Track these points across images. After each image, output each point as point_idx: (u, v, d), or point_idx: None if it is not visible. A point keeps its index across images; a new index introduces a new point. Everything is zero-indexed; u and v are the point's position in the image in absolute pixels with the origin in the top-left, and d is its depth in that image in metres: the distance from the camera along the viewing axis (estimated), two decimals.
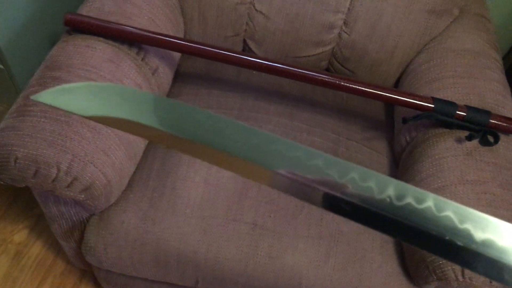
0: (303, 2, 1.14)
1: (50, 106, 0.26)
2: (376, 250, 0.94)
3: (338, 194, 0.23)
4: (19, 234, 1.35)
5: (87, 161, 0.81)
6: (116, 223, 0.93)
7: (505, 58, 1.56)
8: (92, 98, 0.26)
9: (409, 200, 0.23)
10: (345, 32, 1.18)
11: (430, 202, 0.23)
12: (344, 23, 1.17)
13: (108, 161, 0.85)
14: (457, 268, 0.82)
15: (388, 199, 0.23)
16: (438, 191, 0.90)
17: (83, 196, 0.84)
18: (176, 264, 0.94)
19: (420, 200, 0.23)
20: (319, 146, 1.09)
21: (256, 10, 1.18)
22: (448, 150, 0.95)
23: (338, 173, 0.24)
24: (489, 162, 0.92)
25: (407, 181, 1.00)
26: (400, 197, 0.23)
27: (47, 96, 0.26)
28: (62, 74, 0.87)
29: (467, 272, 0.81)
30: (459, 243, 0.22)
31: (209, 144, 0.25)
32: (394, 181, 0.23)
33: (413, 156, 1.02)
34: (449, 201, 0.23)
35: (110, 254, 0.95)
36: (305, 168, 0.24)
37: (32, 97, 0.26)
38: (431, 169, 0.94)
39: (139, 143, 0.96)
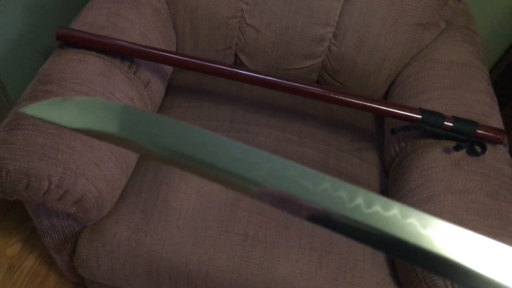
0: (293, 16, 1.16)
1: (39, 119, 0.26)
2: (367, 260, 0.95)
3: (313, 205, 0.25)
4: (12, 248, 1.35)
5: (78, 173, 0.82)
6: (108, 235, 0.93)
7: (492, 70, 1.58)
8: (79, 111, 0.27)
9: (377, 208, 0.24)
10: (335, 45, 1.20)
11: (395, 210, 0.24)
12: (334, 36, 1.19)
13: (100, 173, 0.86)
14: None
15: (357, 207, 0.24)
16: (427, 200, 0.91)
17: (74, 208, 0.85)
18: (168, 276, 0.94)
19: (386, 208, 0.24)
20: (310, 157, 1.10)
21: (247, 23, 1.19)
22: (437, 160, 0.96)
23: (312, 183, 0.25)
24: (477, 172, 0.93)
25: (397, 191, 1.01)
26: (368, 205, 0.24)
27: (35, 109, 0.26)
28: (54, 88, 0.88)
29: None
30: (423, 248, 0.24)
31: (193, 158, 0.26)
32: (362, 191, 0.25)
33: (402, 166, 1.03)
34: (413, 209, 0.24)
35: (103, 266, 0.95)
36: (281, 180, 0.25)
37: (21, 109, 0.27)
38: (420, 179, 0.96)
39: (131, 155, 0.97)
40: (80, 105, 0.27)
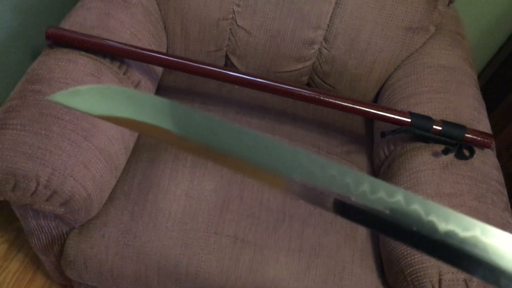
0: (284, 19, 1.17)
1: (64, 106, 0.28)
2: (356, 262, 0.95)
3: (320, 189, 0.26)
4: None
5: (67, 174, 0.81)
6: (97, 236, 0.93)
7: (481, 75, 1.60)
8: (101, 99, 0.28)
9: (381, 194, 0.25)
10: (325, 48, 1.20)
11: (399, 196, 0.25)
12: (324, 39, 1.20)
13: (89, 174, 0.85)
14: (435, 280, 0.83)
15: (363, 193, 0.26)
16: None
17: (62, 209, 0.84)
18: (157, 278, 0.93)
19: (391, 195, 0.25)
20: None
21: (238, 25, 1.19)
22: (425, 164, 0.97)
23: (320, 169, 0.26)
24: (465, 176, 0.94)
25: None
26: (373, 191, 0.25)
27: (61, 97, 0.28)
28: (43, 88, 0.87)
29: (444, 283, 0.83)
30: (424, 233, 0.25)
31: (221, 148, 0.27)
32: (368, 178, 0.26)
33: (391, 169, 1.03)
34: (417, 196, 0.25)
35: (90, 268, 0.94)
36: (289, 164, 0.26)
37: (47, 97, 0.28)
38: (408, 182, 0.96)
39: (121, 156, 0.96)
40: (102, 93, 0.29)
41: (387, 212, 0.25)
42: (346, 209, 0.26)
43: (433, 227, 0.25)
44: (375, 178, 0.26)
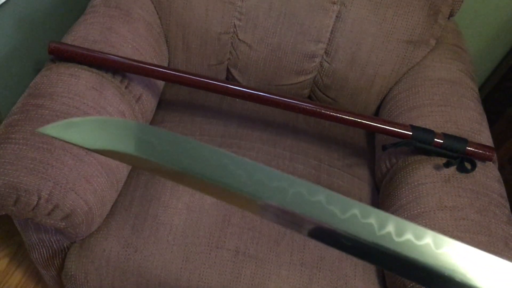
0: (285, 32, 1.17)
1: (56, 139, 0.26)
2: (358, 277, 0.95)
3: (341, 232, 0.24)
4: None
5: (68, 188, 0.81)
6: (98, 250, 0.92)
7: (481, 88, 1.60)
8: (96, 132, 0.27)
9: (409, 236, 0.24)
10: (326, 61, 1.21)
11: (428, 238, 0.23)
12: (325, 52, 1.20)
13: (90, 188, 0.85)
14: None
15: (388, 235, 0.24)
16: (417, 217, 0.91)
17: (64, 223, 0.84)
18: None
19: (419, 237, 0.23)
20: (301, 173, 1.10)
21: (239, 39, 1.20)
22: (427, 177, 0.97)
23: (340, 209, 0.24)
24: (467, 189, 0.93)
25: (387, 207, 1.01)
26: (399, 233, 0.24)
27: (53, 130, 0.26)
28: (45, 102, 0.87)
29: None
30: (458, 279, 0.23)
31: (211, 180, 0.25)
32: (393, 218, 0.24)
33: (393, 182, 1.03)
34: (447, 238, 0.23)
35: (91, 282, 0.94)
36: (307, 204, 0.25)
37: (37, 130, 0.26)
38: (410, 196, 0.96)
39: (122, 170, 0.96)
40: (98, 125, 0.27)
41: (414, 256, 0.23)
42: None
43: (466, 273, 0.23)
44: (401, 218, 0.24)
